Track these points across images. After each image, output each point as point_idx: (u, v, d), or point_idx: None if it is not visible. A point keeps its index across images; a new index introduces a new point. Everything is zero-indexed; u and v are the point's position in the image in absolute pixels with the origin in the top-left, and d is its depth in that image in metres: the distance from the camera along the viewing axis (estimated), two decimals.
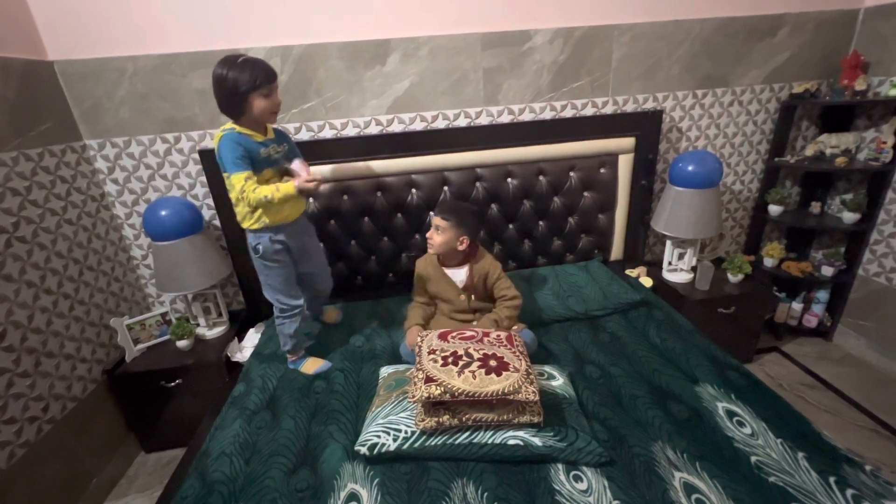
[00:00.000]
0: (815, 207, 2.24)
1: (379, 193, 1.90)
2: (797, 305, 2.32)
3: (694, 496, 0.97)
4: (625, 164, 2.01)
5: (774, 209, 2.20)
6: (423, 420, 1.09)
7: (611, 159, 1.99)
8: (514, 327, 1.57)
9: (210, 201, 1.92)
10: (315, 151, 1.78)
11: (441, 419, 1.09)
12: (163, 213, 1.69)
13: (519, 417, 1.09)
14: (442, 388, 1.05)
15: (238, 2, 1.68)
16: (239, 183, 1.26)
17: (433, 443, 1.09)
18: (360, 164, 1.84)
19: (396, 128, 1.95)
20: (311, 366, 1.54)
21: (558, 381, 1.30)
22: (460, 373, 1.09)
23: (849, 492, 0.94)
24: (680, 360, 1.45)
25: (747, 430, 1.14)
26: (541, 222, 2.05)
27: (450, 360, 1.13)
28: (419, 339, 1.28)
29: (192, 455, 1.31)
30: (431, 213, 1.95)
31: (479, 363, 1.11)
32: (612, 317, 1.75)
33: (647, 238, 2.27)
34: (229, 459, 1.16)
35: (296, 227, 1.47)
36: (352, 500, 1.01)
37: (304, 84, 1.81)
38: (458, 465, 1.09)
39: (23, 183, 1.48)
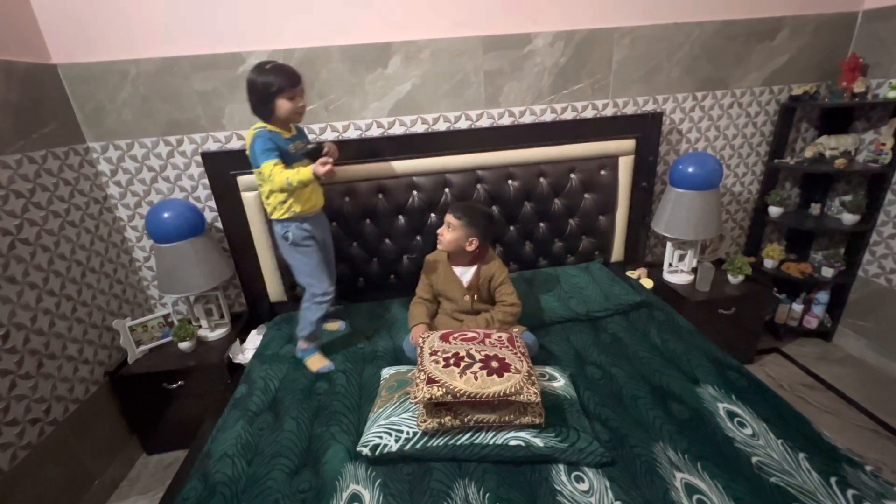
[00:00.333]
0: (815, 209, 2.25)
1: (380, 195, 1.90)
2: (797, 306, 2.32)
3: (695, 496, 0.98)
4: (625, 166, 2.01)
5: (774, 211, 2.20)
6: (425, 421, 1.10)
7: (611, 161, 2.00)
8: (515, 329, 1.58)
9: (212, 203, 1.93)
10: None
11: (443, 420, 1.09)
12: (165, 215, 1.69)
13: (520, 418, 1.09)
14: (444, 390, 1.05)
15: (240, 5, 1.69)
16: (268, 169, 1.36)
17: (435, 444, 1.09)
18: (362, 166, 1.85)
19: (398, 130, 1.96)
20: (316, 362, 1.57)
21: (559, 382, 1.31)
22: (462, 374, 1.09)
23: (849, 492, 0.95)
24: (681, 360, 1.46)
25: (748, 431, 1.14)
26: (542, 224, 2.06)
27: (451, 361, 1.14)
28: (421, 339, 1.29)
29: (194, 456, 1.31)
30: (433, 214, 1.95)
31: (480, 364, 1.12)
32: (613, 318, 1.76)
33: (647, 239, 2.27)
34: (231, 461, 1.16)
35: (317, 219, 1.57)
36: (354, 501, 1.02)
37: (307, 87, 1.80)
38: (459, 465, 1.09)
39: (26, 185, 1.49)
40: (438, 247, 1.59)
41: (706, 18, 1.96)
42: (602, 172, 2.01)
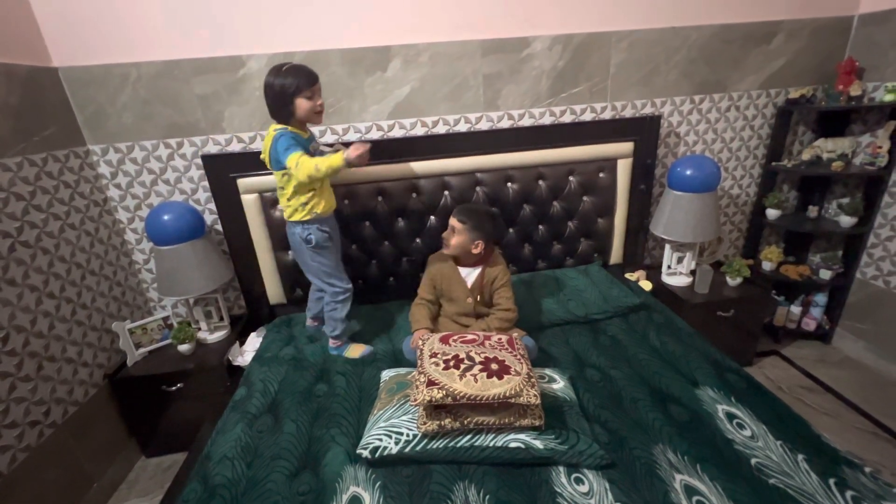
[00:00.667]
0: (813, 211, 2.26)
1: (380, 198, 1.91)
2: (796, 309, 2.33)
3: (695, 498, 0.98)
4: (623, 169, 2.02)
5: (772, 213, 2.21)
6: (425, 423, 1.10)
7: (609, 164, 2.01)
8: (515, 333, 1.58)
9: (212, 206, 1.93)
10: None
11: (443, 422, 1.09)
12: (165, 217, 1.70)
13: (520, 421, 1.10)
14: (444, 392, 1.06)
15: (240, 9, 1.70)
16: (294, 160, 1.35)
17: (435, 446, 1.09)
18: (361, 169, 1.85)
19: (397, 133, 1.97)
20: (356, 350, 1.65)
21: (559, 384, 1.31)
22: (462, 376, 1.09)
23: (848, 493, 0.95)
24: (680, 363, 1.46)
25: (747, 433, 1.15)
26: (540, 226, 2.06)
27: (451, 363, 1.14)
28: (421, 342, 1.29)
29: (193, 459, 1.31)
30: (432, 216, 1.96)
31: (480, 367, 1.12)
32: (612, 320, 1.76)
33: (646, 242, 2.28)
34: (231, 463, 1.16)
35: (332, 221, 1.60)
36: None
37: None
38: (459, 468, 1.10)
39: (26, 188, 1.49)
40: (445, 251, 1.60)
41: (703, 22, 1.97)
42: (601, 175, 2.02)
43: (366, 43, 1.80)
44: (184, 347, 1.79)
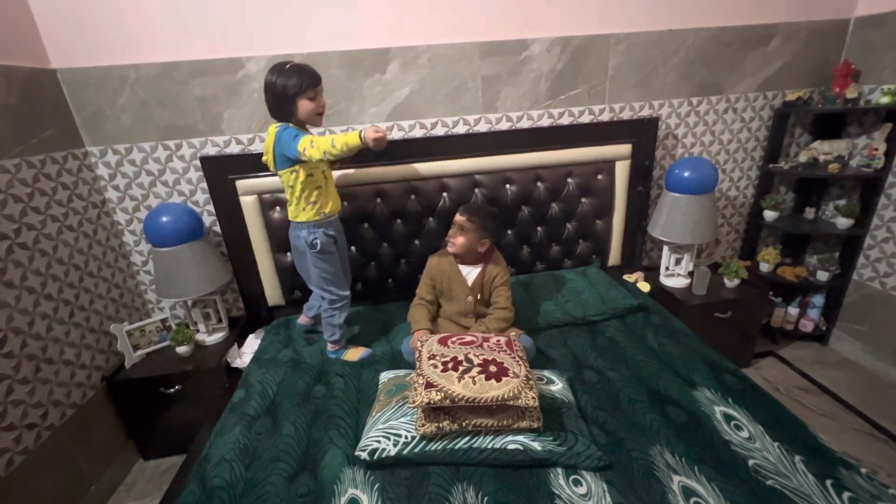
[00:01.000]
0: (810, 213, 2.27)
1: (378, 200, 1.91)
2: (793, 310, 2.34)
3: (692, 499, 0.98)
4: (622, 171, 2.03)
5: (769, 215, 2.22)
6: (424, 425, 1.10)
7: (608, 166, 2.02)
8: (513, 333, 1.59)
9: (210, 207, 1.93)
10: None
11: (441, 424, 1.09)
12: (163, 219, 1.70)
13: (518, 422, 1.10)
14: (442, 394, 1.06)
15: (239, 11, 1.70)
16: (307, 141, 1.30)
17: (433, 448, 1.09)
18: (360, 170, 1.86)
19: (396, 135, 1.97)
20: (354, 353, 1.64)
21: (557, 386, 1.31)
22: (460, 378, 1.10)
23: (845, 495, 0.96)
24: (677, 364, 1.46)
25: (745, 434, 1.15)
26: (539, 228, 2.07)
27: (450, 365, 1.14)
28: (420, 343, 1.29)
29: (191, 461, 1.31)
30: (431, 218, 1.96)
31: (478, 369, 1.12)
32: (610, 322, 1.76)
33: (644, 243, 2.29)
34: (229, 465, 1.16)
35: (337, 224, 1.59)
36: None
37: None
38: (458, 469, 1.10)
39: (25, 189, 1.49)
40: (451, 250, 1.60)
41: (701, 25, 1.98)
42: (599, 177, 2.02)
43: (365, 45, 1.81)
44: (182, 349, 1.79)
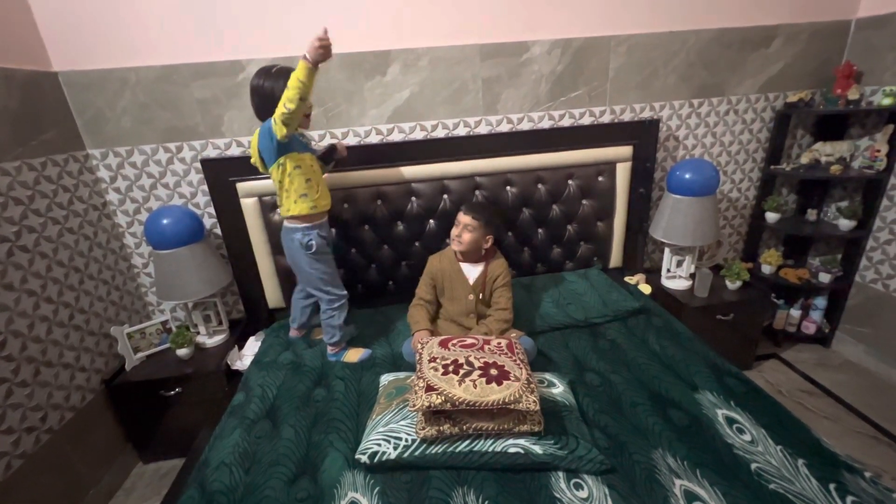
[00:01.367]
0: (812, 215, 2.26)
1: (379, 202, 1.91)
2: (795, 312, 2.32)
3: (694, 503, 0.97)
4: (623, 173, 2.03)
5: (771, 216, 2.21)
6: (424, 428, 1.09)
7: (609, 168, 2.01)
8: (513, 334, 1.59)
9: (211, 210, 1.93)
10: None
11: (441, 427, 1.09)
12: (164, 221, 1.69)
13: (519, 426, 1.09)
14: (443, 398, 1.05)
15: (239, 14, 1.70)
16: (279, 110, 1.29)
17: (434, 451, 1.09)
18: (361, 172, 1.86)
19: (396, 137, 1.97)
20: (354, 355, 1.63)
21: (559, 389, 1.30)
22: (461, 382, 1.09)
23: (849, 498, 0.95)
24: (679, 367, 1.46)
25: (747, 437, 1.14)
26: (540, 230, 2.06)
27: (450, 368, 1.14)
28: (420, 345, 1.29)
29: (190, 465, 1.30)
30: (431, 220, 1.96)
31: (479, 372, 1.12)
32: (611, 324, 1.76)
33: (645, 245, 2.28)
34: (229, 469, 1.15)
35: (327, 226, 1.60)
36: None
37: None
38: (458, 473, 1.09)
39: (25, 192, 1.49)
40: (456, 248, 1.60)
41: (701, 27, 1.98)
42: (600, 179, 2.02)
43: (365, 47, 1.81)
44: (182, 352, 1.78)
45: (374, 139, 1.95)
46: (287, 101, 1.27)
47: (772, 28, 2.03)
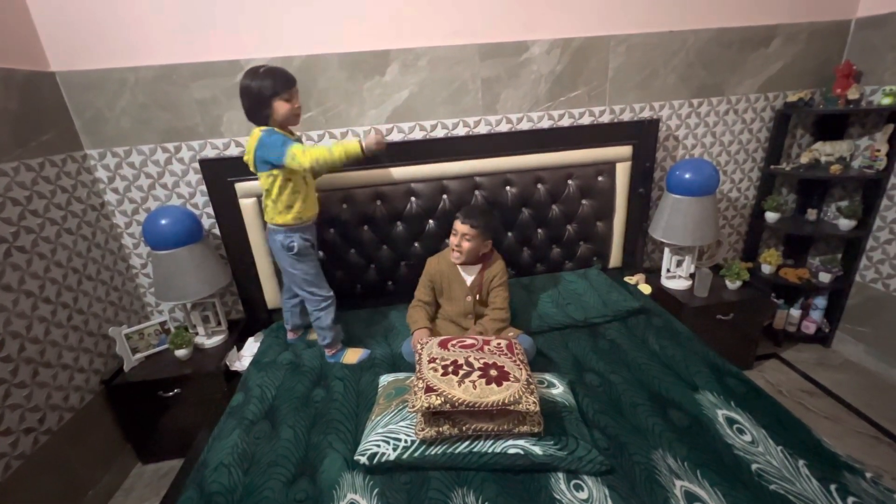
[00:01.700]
0: (812, 214, 2.26)
1: (378, 202, 1.90)
2: (795, 312, 2.32)
3: None
4: (622, 173, 2.02)
5: (771, 216, 2.21)
6: (423, 429, 1.09)
7: (608, 167, 2.01)
8: (511, 333, 1.59)
9: (210, 210, 1.93)
10: None
11: (441, 428, 1.09)
12: (162, 221, 1.69)
13: (519, 427, 1.09)
14: (442, 399, 1.05)
15: (239, 13, 1.70)
16: (297, 149, 1.34)
17: (433, 452, 1.08)
18: (360, 172, 1.85)
19: (396, 137, 1.96)
20: (353, 356, 1.62)
21: (558, 389, 1.30)
22: (460, 382, 1.09)
23: (850, 499, 0.94)
24: (679, 367, 1.45)
25: (747, 438, 1.14)
26: (539, 230, 2.06)
27: (450, 369, 1.13)
28: (420, 346, 1.28)
29: (189, 466, 1.30)
30: (430, 220, 1.95)
31: (479, 373, 1.11)
32: (611, 324, 1.75)
33: (645, 245, 2.28)
34: (227, 470, 1.15)
35: (314, 230, 1.60)
36: None
37: (305, 94, 1.82)
38: (458, 474, 1.09)
39: (23, 193, 1.49)
40: (456, 260, 1.60)
41: (701, 26, 1.98)
42: (599, 179, 2.01)
43: (364, 47, 1.80)
44: (181, 353, 1.78)
45: None
46: (322, 160, 1.34)
47: (771, 28, 2.03)
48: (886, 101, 1.88)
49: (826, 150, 2.10)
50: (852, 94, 1.96)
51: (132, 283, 2.00)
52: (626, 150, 2.00)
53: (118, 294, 1.90)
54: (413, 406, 1.07)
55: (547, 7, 1.86)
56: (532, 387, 1.08)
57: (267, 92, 1.34)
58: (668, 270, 2.15)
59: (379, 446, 1.11)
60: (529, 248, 2.09)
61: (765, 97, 2.16)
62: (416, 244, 1.99)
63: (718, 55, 2.04)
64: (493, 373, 1.11)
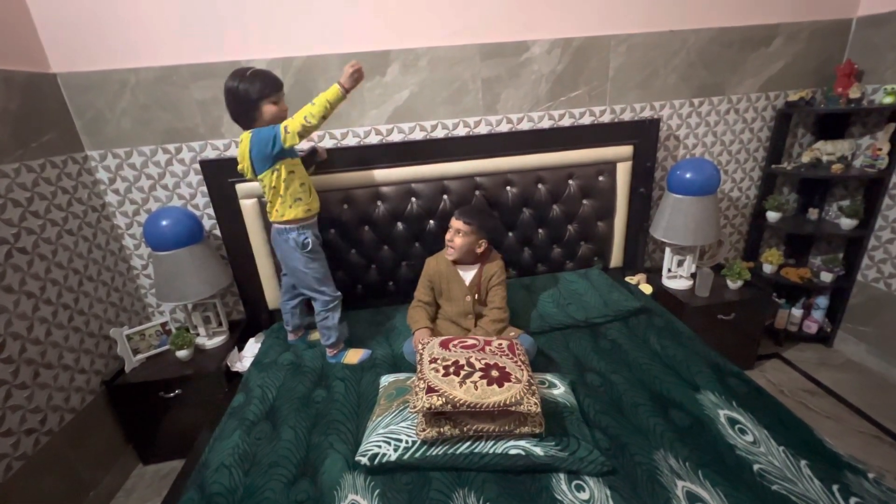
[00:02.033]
0: (813, 214, 2.25)
1: (379, 202, 1.90)
2: (797, 311, 2.32)
3: None
4: (623, 172, 2.02)
5: (772, 216, 2.21)
6: (425, 430, 1.09)
7: (609, 167, 2.01)
8: (512, 333, 1.59)
9: (210, 211, 1.93)
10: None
11: (442, 429, 1.08)
12: (163, 222, 1.69)
13: (520, 427, 1.09)
14: (443, 399, 1.05)
15: (239, 14, 1.70)
16: (286, 122, 1.34)
17: (434, 453, 1.08)
18: (360, 173, 1.85)
19: (396, 137, 1.96)
20: (354, 356, 1.62)
21: (559, 390, 1.30)
22: (462, 383, 1.08)
23: (852, 500, 0.94)
24: (681, 367, 1.45)
25: (749, 438, 1.14)
26: (540, 230, 2.06)
27: (451, 369, 1.13)
28: (421, 346, 1.28)
29: (190, 467, 1.30)
30: (431, 220, 1.95)
31: (480, 373, 1.11)
32: (612, 324, 1.75)
33: (646, 245, 2.27)
34: (228, 471, 1.15)
35: (317, 225, 1.60)
36: None
37: (305, 95, 1.82)
38: (459, 475, 1.08)
39: (24, 194, 1.49)
40: (449, 256, 1.61)
41: (701, 26, 1.98)
42: (600, 178, 2.01)
43: (365, 48, 1.80)
44: (182, 353, 1.78)
45: (373, 139, 1.95)
46: (309, 116, 1.31)
47: (772, 27, 2.02)
48: (888, 99, 1.88)
49: (827, 150, 2.09)
50: (853, 93, 1.96)
51: (133, 284, 2.00)
52: (626, 150, 1.99)
53: (119, 295, 1.90)
54: (414, 406, 1.07)
55: (547, 7, 1.86)
56: (533, 388, 1.08)
57: (255, 94, 1.34)
58: (669, 270, 2.14)
59: (380, 447, 1.10)
60: (530, 248, 2.09)
61: (766, 96, 2.15)
62: (417, 244, 1.99)
63: (719, 55, 2.04)
64: (495, 373, 1.11)
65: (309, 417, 1.34)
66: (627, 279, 2.13)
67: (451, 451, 1.08)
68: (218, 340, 1.91)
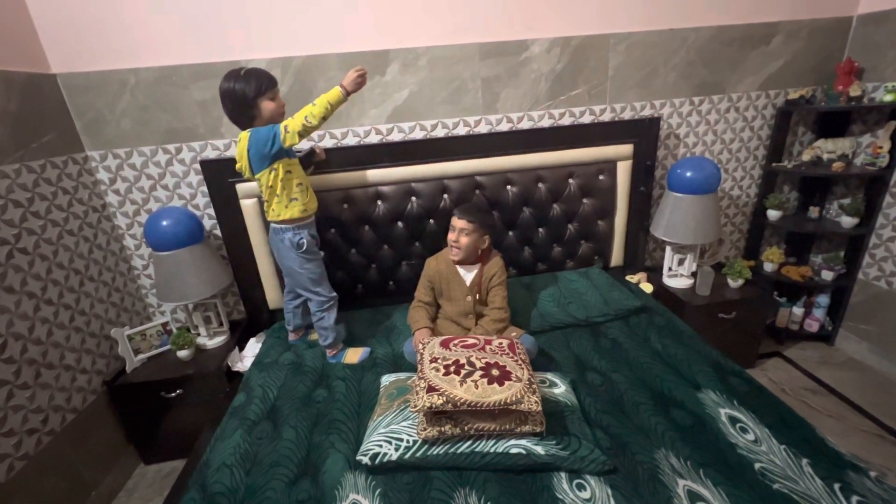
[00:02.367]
0: (814, 212, 2.25)
1: (379, 202, 1.90)
2: (798, 310, 2.31)
3: None
4: (623, 171, 2.02)
5: (773, 214, 2.20)
6: (425, 429, 1.09)
7: (609, 166, 2.01)
8: (514, 333, 1.58)
9: (211, 211, 1.93)
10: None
11: (443, 428, 1.08)
12: (164, 223, 1.69)
13: (521, 426, 1.09)
14: (444, 398, 1.05)
15: (239, 14, 1.70)
16: (286, 122, 1.34)
17: (435, 452, 1.08)
18: (360, 172, 1.85)
19: (396, 137, 1.96)
20: (353, 355, 1.63)
21: (560, 389, 1.30)
22: (462, 382, 1.08)
23: (854, 499, 0.94)
24: (682, 366, 1.45)
25: (750, 437, 1.14)
26: (540, 229, 2.06)
27: (452, 368, 1.13)
28: (421, 345, 1.28)
29: (192, 466, 1.30)
30: (431, 220, 1.95)
31: (481, 372, 1.11)
32: (613, 323, 1.75)
33: (646, 244, 2.27)
34: (230, 471, 1.15)
35: (314, 225, 1.59)
36: None
37: (305, 94, 1.82)
38: (460, 474, 1.09)
39: (25, 194, 1.49)
40: (453, 256, 1.60)
41: (701, 24, 1.97)
42: (600, 177, 2.01)
43: (364, 47, 1.80)
44: (183, 353, 1.78)
45: (373, 139, 1.95)
46: (310, 116, 1.32)
47: (772, 25, 2.02)
48: (888, 97, 1.87)
49: (828, 148, 2.09)
50: (854, 91, 1.95)
51: (134, 284, 2.00)
52: (626, 149, 1.99)
53: (120, 295, 1.90)
54: (415, 406, 1.07)
55: (547, 6, 1.85)
56: (534, 386, 1.08)
57: (251, 93, 1.34)
58: (670, 269, 2.14)
59: (381, 446, 1.10)
60: (530, 248, 2.09)
61: (766, 95, 2.15)
62: (417, 244, 1.99)
63: (719, 53, 2.03)
64: (495, 372, 1.11)
65: (310, 417, 1.34)
66: (628, 278, 2.13)
67: (452, 450, 1.08)
68: (219, 340, 1.91)
